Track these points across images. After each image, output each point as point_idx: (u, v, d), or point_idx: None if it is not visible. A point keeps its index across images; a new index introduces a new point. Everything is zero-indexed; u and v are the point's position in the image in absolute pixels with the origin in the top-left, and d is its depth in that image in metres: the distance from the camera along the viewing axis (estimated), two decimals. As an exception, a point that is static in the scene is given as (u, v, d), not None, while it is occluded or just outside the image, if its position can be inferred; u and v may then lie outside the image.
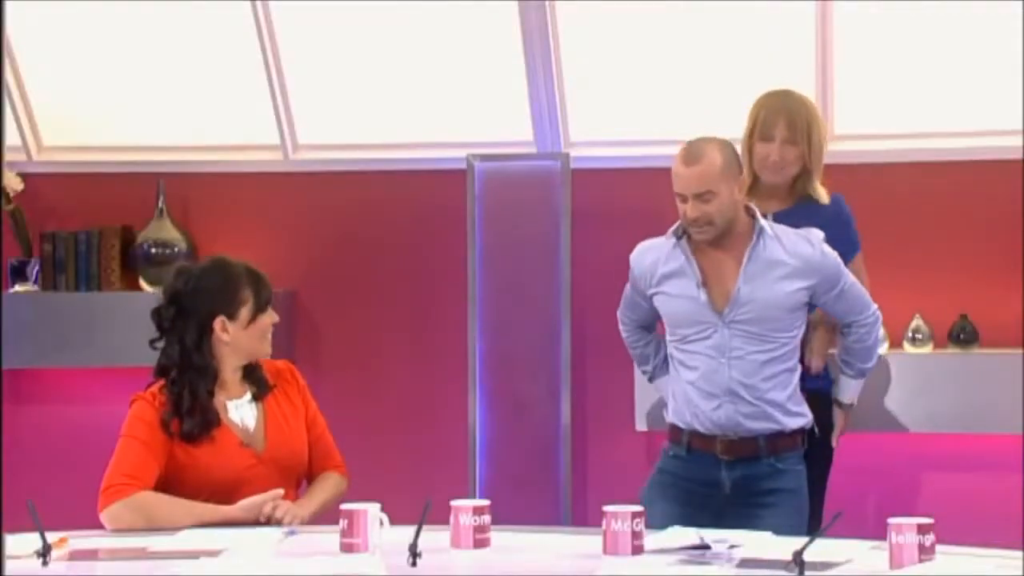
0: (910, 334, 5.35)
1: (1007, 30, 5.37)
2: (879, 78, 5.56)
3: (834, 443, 4.38)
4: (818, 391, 4.31)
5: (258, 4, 5.73)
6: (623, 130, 5.73)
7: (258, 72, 5.81)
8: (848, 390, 4.34)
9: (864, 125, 5.58)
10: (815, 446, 4.23)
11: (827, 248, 4.08)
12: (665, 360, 4.25)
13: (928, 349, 5.35)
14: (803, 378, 4.17)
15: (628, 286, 4.25)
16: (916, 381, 5.22)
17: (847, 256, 4.25)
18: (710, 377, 4.05)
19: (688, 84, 5.65)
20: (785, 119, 4.33)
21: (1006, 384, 5.14)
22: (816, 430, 4.21)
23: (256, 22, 5.73)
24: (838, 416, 4.37)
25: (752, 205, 4.10)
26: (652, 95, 5.69)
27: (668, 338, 4.17)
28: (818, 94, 5.52)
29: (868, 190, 5.53)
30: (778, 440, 4.07)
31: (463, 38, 5.77)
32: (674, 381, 4.16)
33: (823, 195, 4.41)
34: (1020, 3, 5.31)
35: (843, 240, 4.26)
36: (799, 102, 4.39)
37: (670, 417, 4.18)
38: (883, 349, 5.27)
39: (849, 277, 4.14)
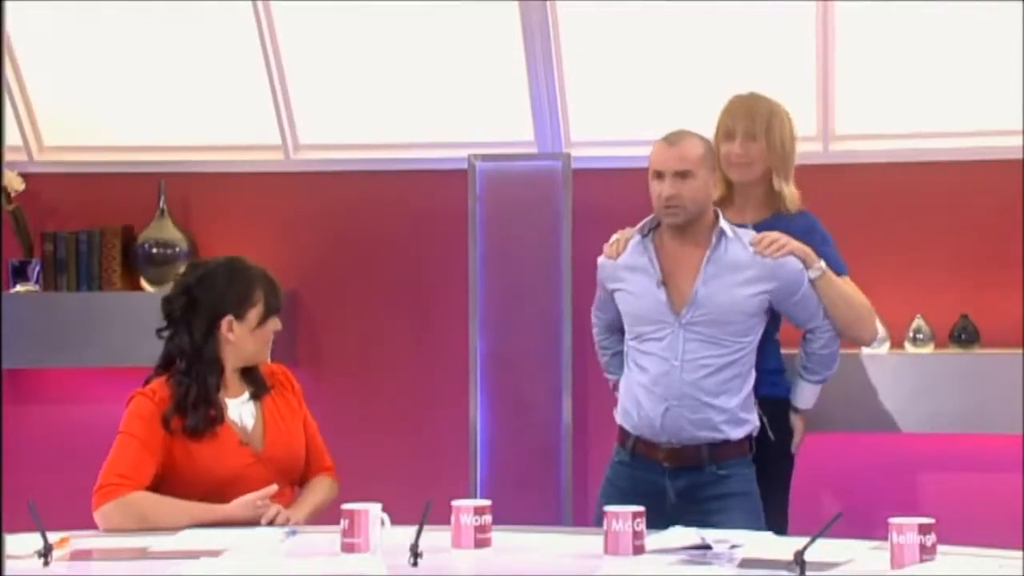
0: (911, 334, 5.35)
1: (1007, 30, 5.37)
2: (879, 78, 5.56)
3: (794, 450, 4.33)
4: (773, 398, 4.26)
5: (259, 4, 5.73)
6: (624, 130, 5.73)
7: (259, 72, 5.81)
8: (808, 396, 4.31)
9: (864, 125, 5.58)
10: (773, 454, 4.20)
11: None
12: None
13: (929, 349, 5.35)
14: (757, 384, 4.14)
15: (598, 283, 4.29)
16: (917, 381, 5.22)
17: None
18: (661, 379, 4.06)
19: (688, 84, 5.65)
20: (744, 115, 4.34)
21: (1007, 384, 5.14)
22: (771, 436, 4.19)
23: (257, 22, 5.74)
24: (796, 422, 4.33)
25: (717, 208, 4.12)
26: (653, 95, 5.70)
27: (626, 336, 4.18)
28: (818, 94, 5.53)
29: (868, 190, 5.55)
30: (722, 449, 4.06)
31: (464, 38, 5.77)
32: (625, 379, 4.16)
33: (792, 198, 4.34)
34: (1020, 3, 5.31)
35: (822, 257, 4.19)
36: (761, 100, 4.40)
37: (619, 418, 4.18)
38: (884, 349, 5.28)
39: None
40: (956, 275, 5.49)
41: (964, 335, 5.35)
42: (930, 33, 5.49)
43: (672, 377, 4.04)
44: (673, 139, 4.08)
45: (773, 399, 4.25)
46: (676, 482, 4.06)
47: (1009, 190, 5.44)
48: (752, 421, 4.10)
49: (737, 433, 4.06)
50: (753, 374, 4.11)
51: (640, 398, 4.09)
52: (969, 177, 5.49)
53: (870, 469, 5.47)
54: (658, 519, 3.62)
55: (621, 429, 4.17)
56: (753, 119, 4.34)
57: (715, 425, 4.04)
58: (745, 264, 4.06)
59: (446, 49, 5.80)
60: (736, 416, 4.06)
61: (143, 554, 3.44)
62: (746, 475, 4.08)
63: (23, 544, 3.34)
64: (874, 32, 5.53)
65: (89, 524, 3.74)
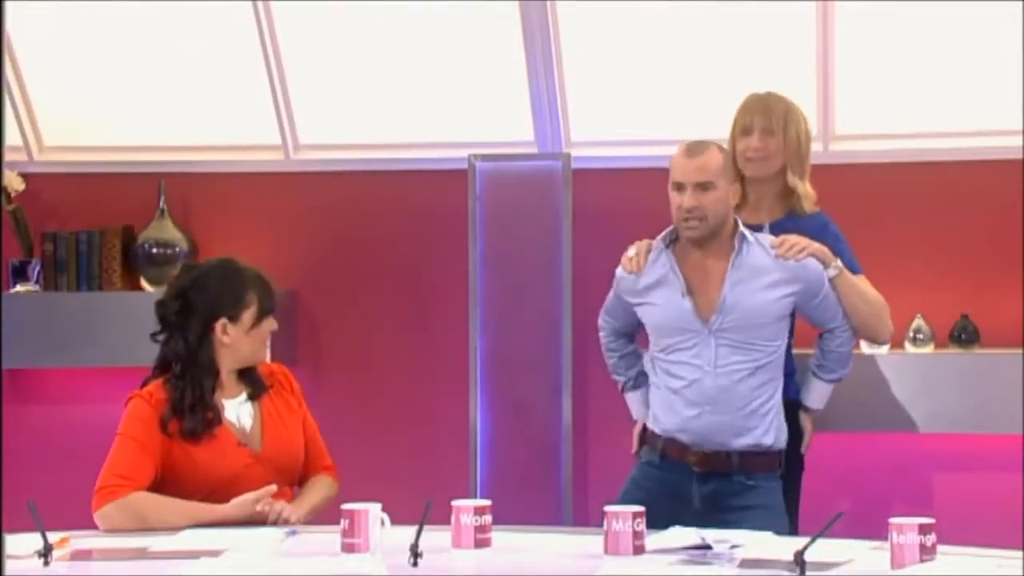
0: (911, 334, 5.35)
1: (1007, 30, 5.37)
2: (879, 78, 5.56)
3: (804, 450, 4.34)
4: (784, 400, 4.22)
5: (259, 4, 5.73)
6: (624, 130, 5.73)
7: (259, 72, 5.81)
8: (821, 396, 4.32)
9: (864, 125, 5.58)
10: (786, 456, 4.21)
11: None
12: (640, 373, 4.27)
13: (929, 349, 5.35)
14: None
15: (612, 291, 4.27)
16: (917, 381, 5.22)
17: None
18: (694, 384, 4.05)
19: (689, 84, 5.65)
20: (761, 110, 4.37)
21: (1007, 384, 5.14)
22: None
23: (257, 22, 5.74)
24: (806, 423, 4.34)
25: (736, 217, 4.12)
26: (653, 95, 5.70)
27: (652, 349, 4.17)
28: (818, 94, 5.53)
29: (869, 190, 5.54)
30: (752, 458, 4.05)
31: (464, 38, 5.77)
32: (656, 389, 4.16)
33: (808, 195, 4.37)
34: (1020, 3, 5.31)
35: (837, 256, 4.21)
36: (777, 98, 4.43)
37: (649, 423, 4.18)
38: (884, 349, 5.28)
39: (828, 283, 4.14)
40: (956, 275, 5.49)
41: (964, 335, 5.35)
42: (930, 33, 5.49)
43: (705, 383, 4.04)
44: (693, 150, 4.06)
45: (784, 402, 4.24)
46: (703, 487, 4.05)
47: (1009, 190, 5.44)
48: (782, 427, 4.10)
49: (767, 439, 4.06)
50: (782, 379, 4.12)
51: (672, 403, 4.09)
52: (969, 177, 5.50)
53: (869, 469, 5.47)
54: (681, 524, 3.63)
55: (651, 432, 4.17)
56: (770, 115, 4.36)
57: (749, 429, 4.04)
58: (769, 268, 4.06)
59: (446, 49, 5.80)
60: (766, 422, 4.06)
61: (143, 554, 3.44)
62: (772, 488, 4.08)
63: (23, 544, 3.33)
64: (874, 32, 5.53)
65: (89, 524, 3.74)
